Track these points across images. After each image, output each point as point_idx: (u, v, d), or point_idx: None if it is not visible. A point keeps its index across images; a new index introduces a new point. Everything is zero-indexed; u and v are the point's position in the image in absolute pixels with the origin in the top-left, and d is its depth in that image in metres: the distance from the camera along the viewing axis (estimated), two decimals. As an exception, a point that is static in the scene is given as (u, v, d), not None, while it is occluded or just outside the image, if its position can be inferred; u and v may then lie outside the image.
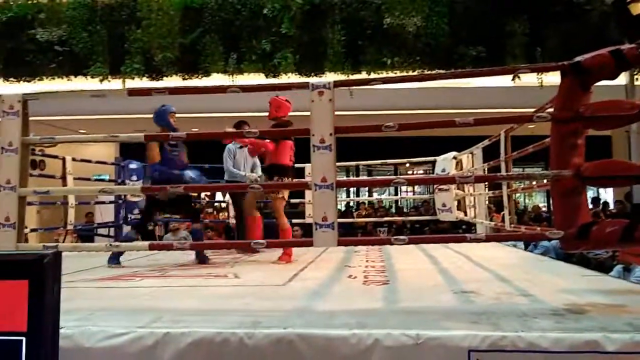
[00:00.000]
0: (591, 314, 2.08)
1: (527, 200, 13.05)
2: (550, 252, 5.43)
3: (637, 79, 7.53)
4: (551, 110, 2.62)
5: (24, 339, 0.85)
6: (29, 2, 7.86)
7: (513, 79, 7.39)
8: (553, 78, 7.04)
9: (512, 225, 4.09)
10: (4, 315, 0.84)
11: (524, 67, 2.62)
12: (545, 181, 3.32)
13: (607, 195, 10.84)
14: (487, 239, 2.74)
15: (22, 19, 7.64)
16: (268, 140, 4.20)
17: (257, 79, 7.77)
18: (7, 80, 7.65)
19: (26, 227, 3.01)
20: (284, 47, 7.71)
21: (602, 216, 7.44)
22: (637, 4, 6.56)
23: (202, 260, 4.17)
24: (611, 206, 9.91)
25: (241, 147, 4.99)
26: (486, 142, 4.81)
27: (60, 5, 7.77)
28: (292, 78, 7.69)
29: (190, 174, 4.14)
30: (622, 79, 7.19)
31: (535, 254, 5.04)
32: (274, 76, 7.78)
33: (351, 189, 12.67)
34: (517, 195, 9.21)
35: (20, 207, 2.59)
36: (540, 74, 6.85)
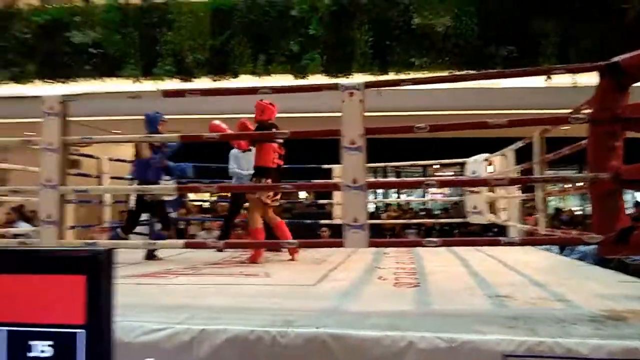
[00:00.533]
0: (631, 321, 2.02)
1: (560, 203, 12.76)
2: (588, 257, 5.28)
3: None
4: (588, 111, 2.56)
5: (82, 331, 0.88)
6: (65, 5, 8.10)
7: (546, 80, 7.23)
8: (587, 78, 6.86)
9: (547, 229, 4.00)
10: (63, 308, 0.88)
11: (559, 68, 2.56)
12: (581, 184, 3.24)
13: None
14: (522, 243, 2.68)
15: (58, 22, 7.87)
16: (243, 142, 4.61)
17: (284, 79, 7.82)
18: (43, 82, 7.89)
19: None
20: (312, 48, 7.73)
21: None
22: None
23: (150, 256, 4.45)
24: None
25: (244, 151, 5.12)
26: (519, 144, 4.71)
27: (95, 8, 7.99)
28: (320, 79, 7.71)
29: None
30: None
31: (571, 259, 4.92)
32: (302, 77, 7.81)
33: (378, 190, 12.62)
34: (550, 198, 9.00)
35: (61, 205, 2.68)
36: (574, 74, 6.67)
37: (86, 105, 6.32)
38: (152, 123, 4.41)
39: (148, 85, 7.65)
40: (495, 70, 6.75)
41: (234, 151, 5.28)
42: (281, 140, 4.30)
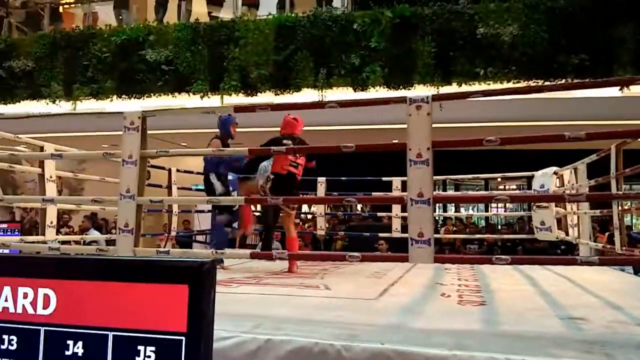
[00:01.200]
0: None
1: (634, 220, 11.93)
2: (667, 278, 4.91)
3: None
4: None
5: (184, 338, 0.94)
6: (140, 25, 8.63)
7: (621, 89, 6.83)
8: (668, 87, 6.43)
9: (624, 248, 3.76)
10: (167, 316, 0.94)
11: (642, 79, 2.42)
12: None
13: None
14: (601, 262, 2.54)
15: (134, 41, 8.39)
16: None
17: (345, 92, 7.88)
18: (120, 98, 8.43)
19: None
20: (373, 61, 7.76)
21: None
22: None
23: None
24: None
25: None
26: (594, 157, 4.48)
27: (168, 27, 8.45)
28: (380, 91, 7.71)
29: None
30: None
31: (648, 280, 4.60)
32: (362, 90, 7.84)
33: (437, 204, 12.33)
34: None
35: (138, 214, 2.85)
36: (654, 83, 6.26)
37: (160, 119, 6.69)
38: (225, 125, 4.85)
39: (215, 99, 7.96)
40: (573, 82, 6.46)
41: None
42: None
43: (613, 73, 6.95)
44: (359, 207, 11.10)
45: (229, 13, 8.69)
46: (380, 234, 7.16)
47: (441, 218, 10.44)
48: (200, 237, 7.47)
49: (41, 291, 1.03)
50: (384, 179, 6.68)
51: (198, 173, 6.97)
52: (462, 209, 12.58)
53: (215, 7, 8.84)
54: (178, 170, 6.23)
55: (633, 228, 10.92)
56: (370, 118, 8.09)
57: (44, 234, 4.55)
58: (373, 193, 6.79)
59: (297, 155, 4.40)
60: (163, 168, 6.02)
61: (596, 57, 7.17)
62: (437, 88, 7.56)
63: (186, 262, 0.96)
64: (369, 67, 7.75)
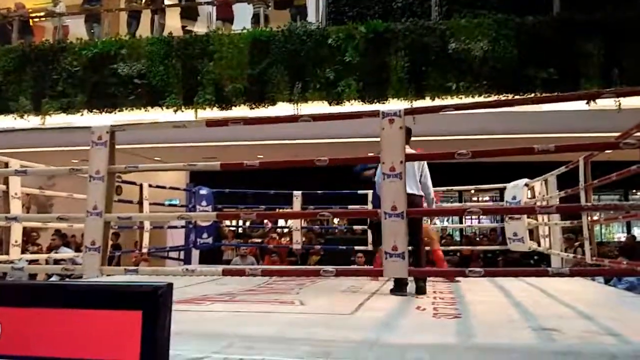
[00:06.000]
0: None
1: (603, 231, 12.23)
2: (637, 287, 5.02)
3: None
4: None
5: None
6: (112, 39, 8.51)
7: (588, 103, 7.03)
8: (632, 101, 6.63)
9: (594, 258, 3.83)
10: (119, 344, 0.88)
11: (609, 92, 2.49)
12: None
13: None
14: (572, 274, 2.57)
15: (105, 55, 8.27)
16: None
17: (320, 106, 7.91)
18: (91, 112, 8.26)
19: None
20: (348, 75, 7.82)
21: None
22: None
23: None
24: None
25: None
26: (563, 169, 4.57)
27: (140, 41, 8.35)
28: (355, 105, 7.76)
29: None
30: None
31: (618, 289, 4.68)
32: (337, 103, 7.88)
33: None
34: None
35: (105, 232, 2.76)
36: (618, 97, 6.47)
37: (131, 133, 6.59)
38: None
39: (189, 114, 7.88)
40: (544, 95, 6.62)
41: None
42: None
43: (580, 87, 7.15)
44: (335, 220, 11.07)
45: (203, 27, 8.67)
46: (358, 247, 7.15)
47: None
48: (173, 254, 7.31)
49: (-17, 320, 0.95)
50: (360, 192, 6.70)
51: (171, 188, 6.89)
52: (437, 221, 12.67)
53: (189, 21, 8.79)
54: (151, 186, 6.11)
55: (602, 238, 11.19)
56: (346, 132, 8.14)
57: (7, 253, 4.38)
58: (349, 206, 6.80)
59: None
60: (134, 183, 5.89)
61: (564, 72, 7.38)
62: (411, 102, 7.65)
63: (140, 286, 0.91)
64: (343, 81, 7.80)
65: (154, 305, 0.89)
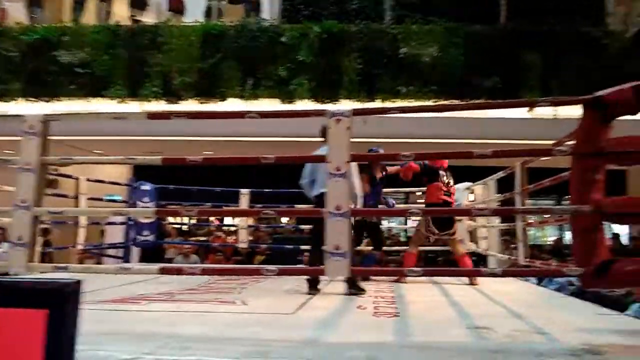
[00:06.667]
0: (609, 356, 2.01)
1: (538, 234, 12.86)
2: (565, 288, 5.28)
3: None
4: (571, 144, 2.59)
5: None
6: (55, 25, 8.09)
7: (529, 111, 7.36)
8: (568, 110, 7.00)
9: (527, 260, 4.00)
10: (20, 346, 0.82)
11: (544, 101, 2.60)
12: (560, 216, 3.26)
13: (621, 230, 10.61)
14: (504, 274, 2.67)
15: (46, 41, 7.84)
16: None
17: (272, 104, 7.85)
18: (27, 100, 7.81)
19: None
20: (301, 74, 7.80)
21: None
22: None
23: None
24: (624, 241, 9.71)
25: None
26: (501, 174, 4.76)
27: (85, 28, 7.98)
28: (307, 104, 7.75)
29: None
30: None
31: (549, 289, 4.92)
32: (289, 102, 7.85)
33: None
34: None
35: (33, 227, 2.60)
36: (556, 107, 6.81)
37: (69, 124, 6.27)
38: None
39: (134, 105, 7.61)
40: (483, 101, 6.86)
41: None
42: (447, 179, 4.82)
43: (521, 96, 7.48)
44: (284, 219, 11.03)
45: (153, 18, 8.40)
46: (305, 247, 7.13)
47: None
48: (112, 251, 7.01)
49: None
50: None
51: (111, 182, 6.60)
52: (384, 222, 12.90)
53: (138, 10, 8.50)
54: (89, 180, 5.82)
55: (537, 241, 11.75)
56: (298, 131, 8.10)
57: None
58: (296, 206, 6.78)
59: (450, 185, 4.77)
60: (70, 177, 5.60)
61: (507, 81, 7.70)
62: (363, 103, 7.74)
63: (46, 283, 0.84)
64: (296, 80, 7.78)
65: (61, 304, 0.83)
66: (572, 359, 1.93)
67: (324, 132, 4.16)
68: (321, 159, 2.60)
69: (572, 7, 8.32)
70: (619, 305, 4.70)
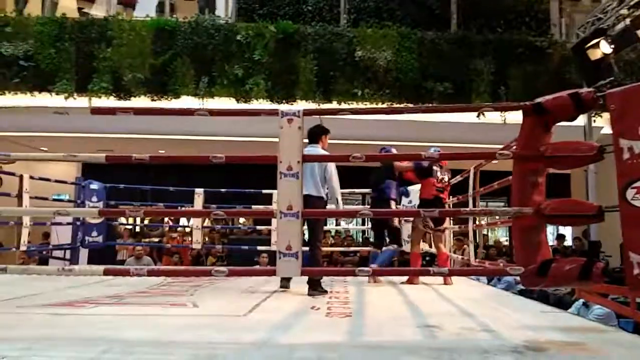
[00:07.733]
0: (550, 352, 2.08)
1: (490, 234, 13.30)
2: (513, 287, 5.50)
3: (594, 120, 7.88)
4: (514, 148, 2.69)
5: None
6: (-4, 15, 7.68)
7: (478, 116, 7.61)
8: (516, 116, 7.29)
9: (477, 260, 4.13)
10: None
11: (488, 106, 2.69)
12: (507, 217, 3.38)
13: (566, 231, 11.17)
14: (450, 274, 2.74)
15: (-13, 32, 7.44)
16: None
17: (227, 103, 7.74)
18: (-35, 94, 7.37)
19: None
20: (256, 74, 7.75)
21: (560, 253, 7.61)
22: (595, 50, 6.91)
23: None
24: (568, 242, 10.19)
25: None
26: (459, 178, 4.90)
27: (29, 19, 7.62)
28: (263, 104, 7.71)
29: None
30: (581, 120, 7.50)
31: (498, 289, 5.10)
32: (245, 101, 7.78)
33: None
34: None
35: (-33, 227, 2.45)
36: (503, 112, 7.08)
37: (12, 119, 5.97)
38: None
39: (82, 101, 7.32)
40: (432, 105, 7.06)
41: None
42: (441, 176, 4.81)
43: (471, 102, 7.74)
44: (241, 220, 10.91)
45: (102, 11, 8.12)
46: (261, 247, 7.07)
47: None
48: (58, 253, 6.70)
49: None
50: (264, 191, 6.64)
51: (57, 181, 6.31)
52: (342, 222, 12.98)
53: (86, 3, 8.20)
54: (32, 178, 5.53)
55: (489, 242, 12.14)
56: (254, 131, 8.04)
57: None
58: (253, 206, 6.72)
59: (444, 181, 4.80)
60: (14, 174, 5.32)
61: (458, 86, 7.94)
62: (318, 104, 7.77)
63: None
64: (252, 79, 7.73)
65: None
66: (515, 356, 1.99)
67: (310, 134, 4.15)
68: (272, 159, 2.58)
69: (520, 18, 8.70)
70: (562, 303, 4.94)
